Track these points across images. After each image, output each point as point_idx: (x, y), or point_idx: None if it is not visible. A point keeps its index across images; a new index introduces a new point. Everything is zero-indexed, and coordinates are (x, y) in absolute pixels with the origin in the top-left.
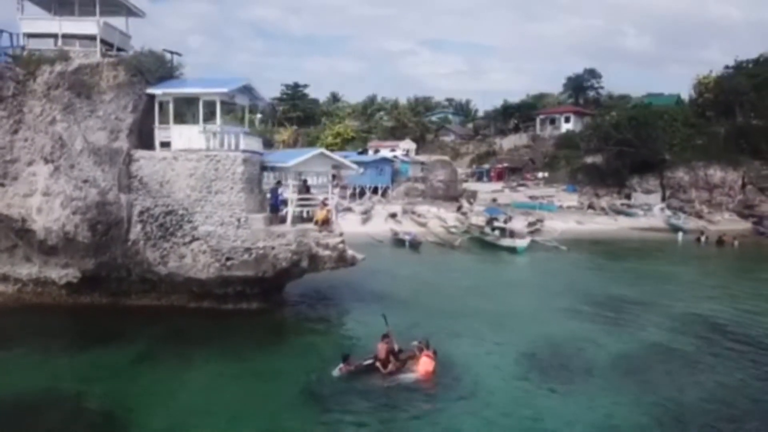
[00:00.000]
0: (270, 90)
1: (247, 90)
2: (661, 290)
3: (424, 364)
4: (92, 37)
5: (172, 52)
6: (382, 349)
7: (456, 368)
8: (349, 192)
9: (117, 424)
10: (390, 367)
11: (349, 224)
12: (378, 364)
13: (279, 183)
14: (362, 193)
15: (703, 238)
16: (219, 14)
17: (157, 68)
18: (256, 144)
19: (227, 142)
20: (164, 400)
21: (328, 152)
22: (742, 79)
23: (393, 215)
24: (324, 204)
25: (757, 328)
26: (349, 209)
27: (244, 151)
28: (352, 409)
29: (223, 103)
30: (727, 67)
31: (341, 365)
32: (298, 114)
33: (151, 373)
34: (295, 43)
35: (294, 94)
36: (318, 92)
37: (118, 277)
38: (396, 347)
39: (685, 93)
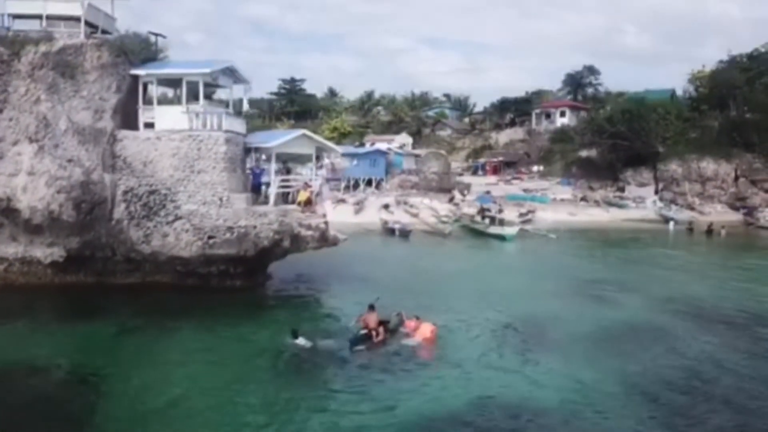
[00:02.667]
0: (268, 86)
1: (231, 72)
2: (646, 273)
3: (424, 330)
4: (77, 19)
5: (156, 34)
6: (371, 319)
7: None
8: (343, 184)
9: (100, 392)
10: (380, 336)
11: (341, 214)
12: (372, 332)
13: (257, 160)
14: (356, 186)
15: (688, 227)
16: (217, 11)
17: (141, 50)
18: (239, 125)
19: (210, 122)
20: (145, 368)
21: (311, 134)
22: (736, 73)
23: (386, 206)
24: (307, 185)
25: (731, 305)
26: (342, 200)
27: (226, 131)
28: (324, 373)
29: (206, 84)
30: (721, 61)
31: (296, 340)
32: (296, 109)
33: (134, 344)
34: (293, 40)
35: (291, 89)
36: (316, 89)
37: (103, 256)
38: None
39: (682, 89)
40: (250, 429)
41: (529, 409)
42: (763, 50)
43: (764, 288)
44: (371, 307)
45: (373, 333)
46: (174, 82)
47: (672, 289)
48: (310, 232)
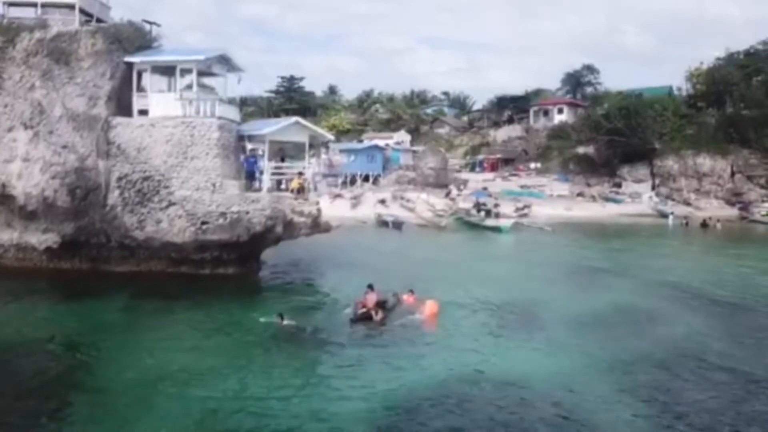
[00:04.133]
0: (267, 86)
1: (224, 60)
2: (637, 262)
3: (430, 307)
4: (71, 6)
5: (150, 23)
6: (370, 299)
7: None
8: (340, 180)
9: (91, 365)
10: (379, 315)
11: (338, 209)
12: (372, 312)
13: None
14: (353, 181)
15: (683, 221)
16: (217, 11)
17: (135, 37)
18: (232, 112)
19: (203, 109)
20: (136, 345)
21: (304, 121)
22: (733, 70)
23: (382, 201)
24: (300, 173)
25: (718, 289)
26: (339, 195)
27: (219, 117)
28: (316, 350)
29: (200, 72)
30: (718, 58)
31: (277, 320)
32: (294, 106)
33: (126, 323)
34: (293, 40)
35: (290, 87)
36: (316, 88)
37: (97, 242)
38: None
39: (676, 87)
40: (236, 401)
41: (517, 383)
42: (760, 47)
43: (750, 273)
44: (370, 288)
45: (373, 312)
46: (168, 70)
47: (663, 274)
48: (302, 219)
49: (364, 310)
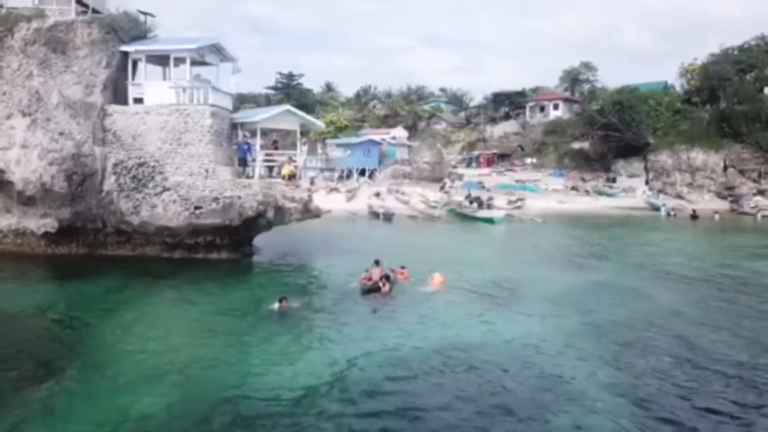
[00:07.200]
0: (265, 83)
1: (217, 49)
2: (624, 249)
3: (438, 278)
4: None
5: (145, 13)
6: (376, 273)
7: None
8: (336, 174)
9: (84, 338)
10: (386, 287)
11: (334, 202)
12: (380, 284)
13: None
14: (349, 175)
15: (672, 213)
16: (215, 10)
17: (130, 27)
18: (225, 101)
19: (196, 96)
20: (130, 320)
21: (295, 109)
22: (727, 66)
23: (377, 194)
24: (291, 160)
25: (694, 271)
26: (335, 189)
27: (212, 105)
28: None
29: (194, 61)
30: (712, 54)
31: (277, 304)
32: (292, 103)
33: (120, 300)
34: (291, 39)
35: (288, 83)
36: (315, 86)
37: (94, 228)
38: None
39: (675, 83)
40: (231, 370)
41: (501, 348)
42: (753, 43)
43: (730, 257)
44: (377, 263)
45: (380, 284)
46: (162, 59)
47: (647, 258)
48: (293, 204)
49: (371, 282)
